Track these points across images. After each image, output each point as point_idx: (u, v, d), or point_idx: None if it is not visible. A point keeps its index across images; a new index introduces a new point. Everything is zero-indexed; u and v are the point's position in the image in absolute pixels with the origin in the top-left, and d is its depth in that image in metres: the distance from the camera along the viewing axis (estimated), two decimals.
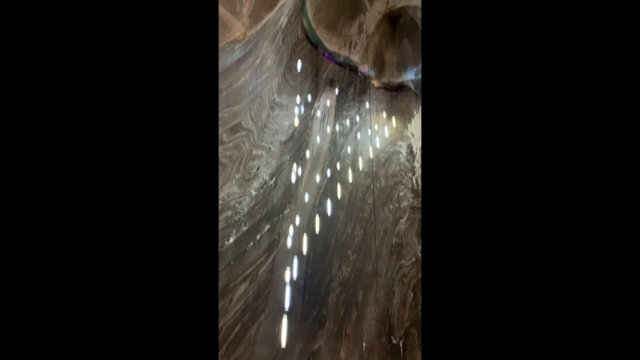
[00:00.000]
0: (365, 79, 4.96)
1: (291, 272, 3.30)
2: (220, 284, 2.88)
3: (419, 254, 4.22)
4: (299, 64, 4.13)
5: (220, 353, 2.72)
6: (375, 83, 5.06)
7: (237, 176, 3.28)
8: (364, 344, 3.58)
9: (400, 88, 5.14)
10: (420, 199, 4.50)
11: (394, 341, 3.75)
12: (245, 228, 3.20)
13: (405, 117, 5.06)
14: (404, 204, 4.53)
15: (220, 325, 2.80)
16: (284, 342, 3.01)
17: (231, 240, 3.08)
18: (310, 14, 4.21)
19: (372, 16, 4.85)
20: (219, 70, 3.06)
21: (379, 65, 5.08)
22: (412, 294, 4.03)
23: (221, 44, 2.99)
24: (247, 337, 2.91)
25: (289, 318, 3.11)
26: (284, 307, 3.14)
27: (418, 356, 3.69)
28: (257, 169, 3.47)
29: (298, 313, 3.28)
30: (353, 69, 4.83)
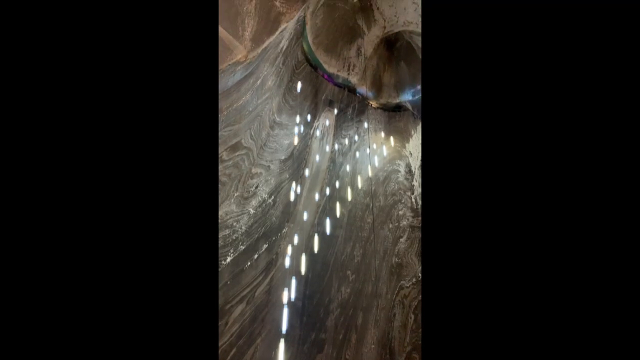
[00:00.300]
0: (364, 99, 5.07)
1: (289, 293, 3.22)
2: None
3: (420, 275, 4.15)
4: (299, 85, 4.23)
5: None
6: (373, 104, 5.17)
7: (235, 194, 3.27)
8: None
9: (398, 108, 5.25)
10: (419, 218, 4.48)
11: None
12: (242, 247, 3.15)
13: (403, 136, 5.13)
14: (404, 222, 4.50)
15: None
16: None
17: (228, 259, 3.02)
18: (310, 37, 4.36)
19: (370, 40, 5.03)
20: (221, 91, 3.13)
21: (377, 86, 5.21)
22: (413, 317, 3.92)
23: (223, 65, 3.07)
24: None
25: (286, 342, 3.00)
26: (281, 330, 3.04)
27: None
28: (256, 187, 3.47)
29: (296, 336, 3.17)
30: (351, 90, 4.95)
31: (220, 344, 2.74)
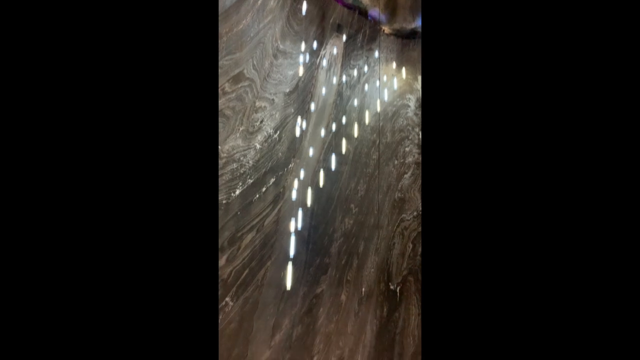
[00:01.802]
0: (375, 24, 4.59)
1: (296, 223, 3.42)
2: (228, 233, 3.02)
3: (421, 209, 4.31)
4: (304, 6, 3.80)
5: (230, 294, 2.95)
6: (386, 29, 4.70)
7: (241, 129, 3.24)
8: (363, 289, 3.85)
9: (413, 35, 4.78)
10: None
11: (392, 287, 4.02)
12: (250, 181, 3.25)
13: (415, 67, 4.78)
14: (409, 159, 4.50)
15: (229, 270, 2.99)
16: (289, 285, 3.25)
17: (237, 192, 3.15)
18: None
19: None
20: (219, 11, 2.84)
21: (391, 8, 4.66)
22: (411, 246, 4.21)
23: None
24: (255, 280, 3.13)
25: (293, 265, 3.31)
26: (289, 255, 3.33)
27: (413, 301, 3.98)
28: (261, 121, 3.41)
29: (302, 260, 3.48)
30: (362, 13, 4.45)
31: (234, 266, 3.04)
